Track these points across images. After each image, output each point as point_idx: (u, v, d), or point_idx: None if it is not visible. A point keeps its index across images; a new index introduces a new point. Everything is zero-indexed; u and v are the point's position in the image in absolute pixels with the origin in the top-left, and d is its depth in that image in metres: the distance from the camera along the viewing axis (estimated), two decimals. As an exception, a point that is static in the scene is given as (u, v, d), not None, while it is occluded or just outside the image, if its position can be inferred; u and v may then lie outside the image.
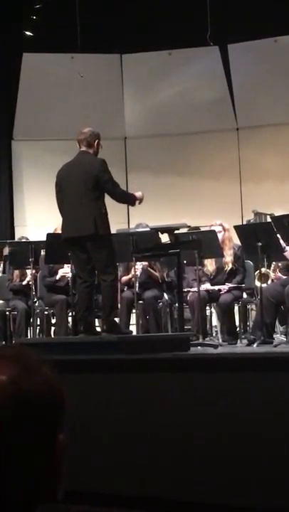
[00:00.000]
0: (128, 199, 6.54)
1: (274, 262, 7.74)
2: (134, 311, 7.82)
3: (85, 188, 6.02)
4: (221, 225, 7.77)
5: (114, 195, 6.23)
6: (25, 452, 1.08)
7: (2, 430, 1.07)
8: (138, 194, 6.40)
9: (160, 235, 7.09)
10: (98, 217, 5.94)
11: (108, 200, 6.18)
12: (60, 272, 7.99)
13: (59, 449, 1.11)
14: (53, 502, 1.10)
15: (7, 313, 8.43)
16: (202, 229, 8.19)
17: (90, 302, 6.20)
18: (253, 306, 8.27)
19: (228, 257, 7.69)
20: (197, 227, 8.46)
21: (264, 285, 7.20)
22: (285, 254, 6.88)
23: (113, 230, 6.48)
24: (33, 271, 8.00)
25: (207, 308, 8.11)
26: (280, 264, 7.54)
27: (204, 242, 7.06)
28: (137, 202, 6.41)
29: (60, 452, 1.11)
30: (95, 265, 6.10)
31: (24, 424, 1.08)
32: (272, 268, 7.89)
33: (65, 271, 7.85)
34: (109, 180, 6.08)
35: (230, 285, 7.64)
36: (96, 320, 7.25)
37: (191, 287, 7.71)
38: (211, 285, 7.71)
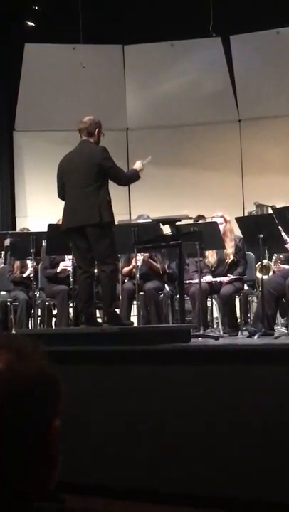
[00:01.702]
0: (133, 179, 6.44)
1: (275, 254, 7.74)
2: (135, 302, 7.82)
3: (88, 177, 5.98)
4: (222, 216, 7.76)
5: (119, 180, 6.21)
6: (22, 438, 1.08)
7: None
8: (137, 166, 6.37)
9: (161, 227, 7.08)
10: (102, 206, 5.90)
11: (110, 191, 6.15)
12: (61, 265, 7.98)
13: (54, 434, 1.11)
14: (47, 492, 1.10)
15: (8, 304, 8.43)
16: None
17: (90, 293, 6.17)
18: (254, 298, 8.27)
19: (230, 249, 7.68)
20: (202, 216, 8.46)
21: (265, 277, 7.20)
22: (287, 246, 6.87)
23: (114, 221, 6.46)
24: (34, 263, 7.99)
25: (208, 299, 8.11)
26: (281, 256, 7.53)
27: (205, 234, 7.05)
28: (140, 174, 6.36)
29: (56, 438, 1.11)
30: (95, 255, 6.04)
31: (20, 409, 1.08)
32: (273, 260, 7.89)
33: (66, 264, 7.84)
34: (112, 167, 6.04)
35: (232, 277, 7.63)
36: (97, 311, 7.25)
37: (192, 279, 7.71)
38: (212, 277, 7.71)
